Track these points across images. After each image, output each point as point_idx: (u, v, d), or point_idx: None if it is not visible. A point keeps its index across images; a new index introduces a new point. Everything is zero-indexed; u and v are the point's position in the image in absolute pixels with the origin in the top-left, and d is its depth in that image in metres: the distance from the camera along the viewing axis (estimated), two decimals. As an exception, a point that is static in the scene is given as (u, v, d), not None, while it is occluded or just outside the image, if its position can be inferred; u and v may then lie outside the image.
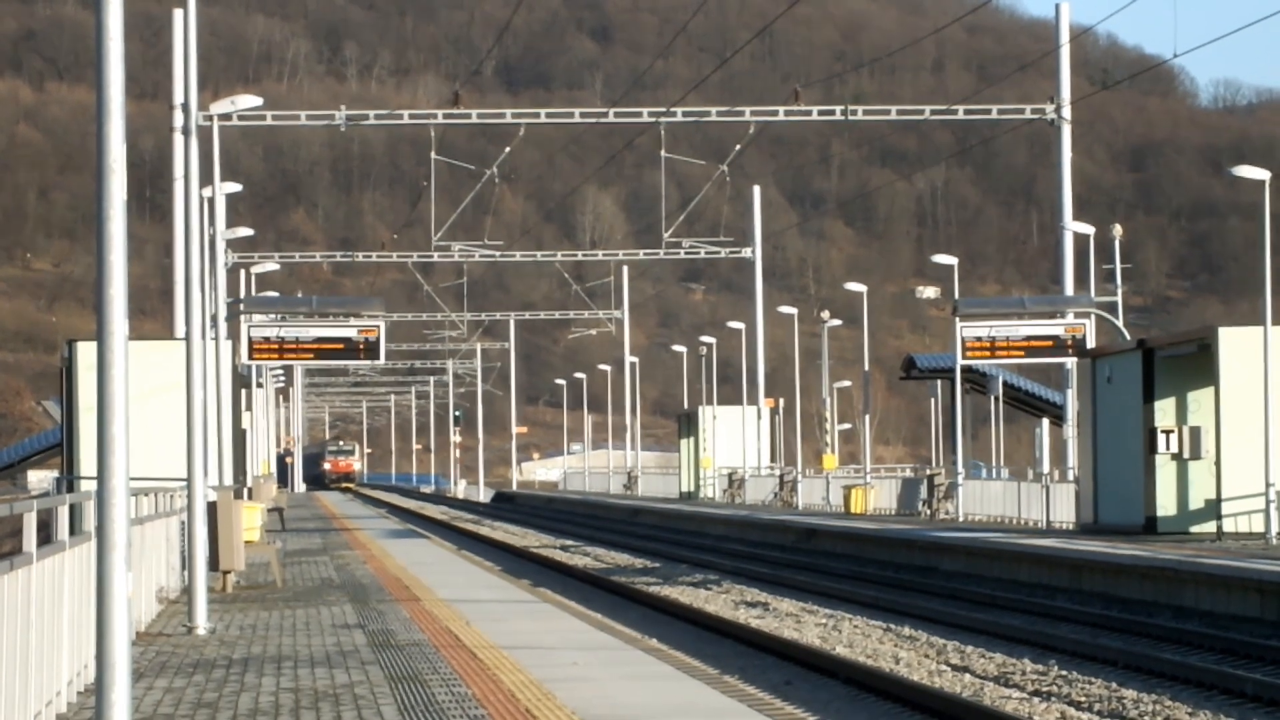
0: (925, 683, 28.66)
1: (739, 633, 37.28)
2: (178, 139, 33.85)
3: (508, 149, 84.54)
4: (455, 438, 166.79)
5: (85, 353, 44.42)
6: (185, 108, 33.11)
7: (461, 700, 19.32)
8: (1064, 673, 29.93)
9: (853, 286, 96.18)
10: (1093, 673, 29.82)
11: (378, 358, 64.25)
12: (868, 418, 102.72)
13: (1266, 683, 27.46)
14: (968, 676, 30.14)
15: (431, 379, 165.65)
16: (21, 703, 16.05)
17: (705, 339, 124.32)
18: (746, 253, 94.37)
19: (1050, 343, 61.78)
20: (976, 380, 77.37)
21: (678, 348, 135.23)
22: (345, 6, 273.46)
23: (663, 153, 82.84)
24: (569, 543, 75.92)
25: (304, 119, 79.22)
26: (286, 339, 61.68)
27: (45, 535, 17.44)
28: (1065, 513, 59.48)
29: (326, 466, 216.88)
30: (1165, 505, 51.41)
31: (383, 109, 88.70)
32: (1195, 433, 51.33)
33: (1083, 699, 26.96)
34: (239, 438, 54.04)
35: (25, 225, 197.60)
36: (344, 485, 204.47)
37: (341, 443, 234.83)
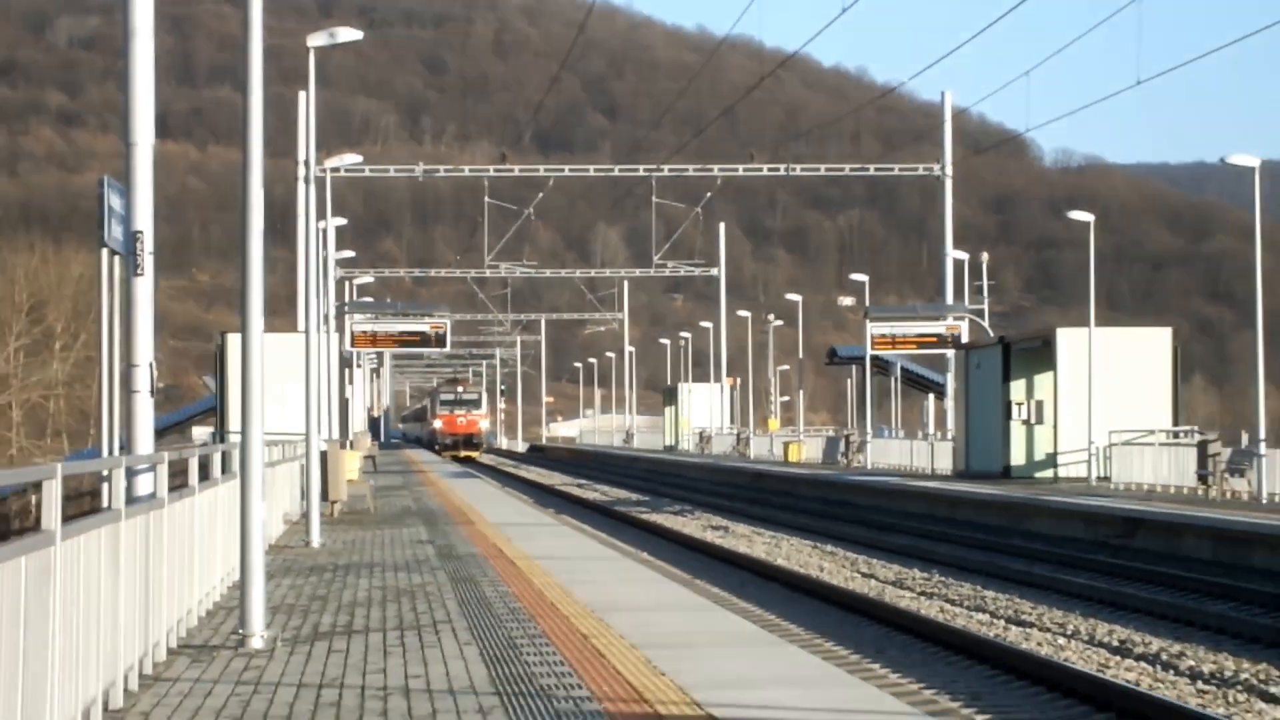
0: (842, 585, 28.74)
1: (707, 548, 37.29)
2: (301, 186, 33.61)
3: (540, 194, 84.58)
4: (500, 404, 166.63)
5: (233, 342, 44.40)
6: (307, 164, 33.08)
7: (504, 596, 19.37)
8: (943, 579, 29.97)
9: (791, 297, 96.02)
10: (963, 579, 29.86)
11: (444, 346, 64.31)
12: (801, 393, 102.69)
13: (1089, 584, 27.54)
14: (873, 581, 30.18)
15: (484, 362, 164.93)
16: (189, 592, 16.14)
17: (684, 334, 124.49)
18: (714, 271, 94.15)
19: (935, 339, 61.76)
20: (881, 366, 77.16)
21: (663, 341, 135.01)
22: (423, 90, 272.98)
23: (654, 198, 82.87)
24: (583, 482, 75.83)
25: (392, 172, 79.23)
26: (378, 332, 61.67)
27: (205, 474, 17.50)
28: (945, 463, 59.49)
29: (438, 425, 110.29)
30: (1017, 457, 51.46)
31: (450, 165, 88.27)
32: (1039, 405, 51.37)
33: (956, 598, 27.01)
34: (343, 405, 54.04)
35: (191, 249, 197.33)
36: (465, 455, 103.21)
37: (462, 389, 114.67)
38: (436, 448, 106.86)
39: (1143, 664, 19.87)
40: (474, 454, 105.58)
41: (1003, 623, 23.84)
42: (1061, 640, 21.90)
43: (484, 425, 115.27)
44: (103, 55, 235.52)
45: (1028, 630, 22.95)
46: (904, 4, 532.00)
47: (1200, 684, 18.38)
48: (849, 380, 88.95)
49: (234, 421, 40.58)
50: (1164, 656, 20.30)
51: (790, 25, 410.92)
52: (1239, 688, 18.08)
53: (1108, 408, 49.06)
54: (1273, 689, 17.94)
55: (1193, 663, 19.79)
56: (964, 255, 68.62)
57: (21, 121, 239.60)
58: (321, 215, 42.44)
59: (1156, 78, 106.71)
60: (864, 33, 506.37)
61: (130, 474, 13.59)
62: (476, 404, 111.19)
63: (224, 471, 19.21)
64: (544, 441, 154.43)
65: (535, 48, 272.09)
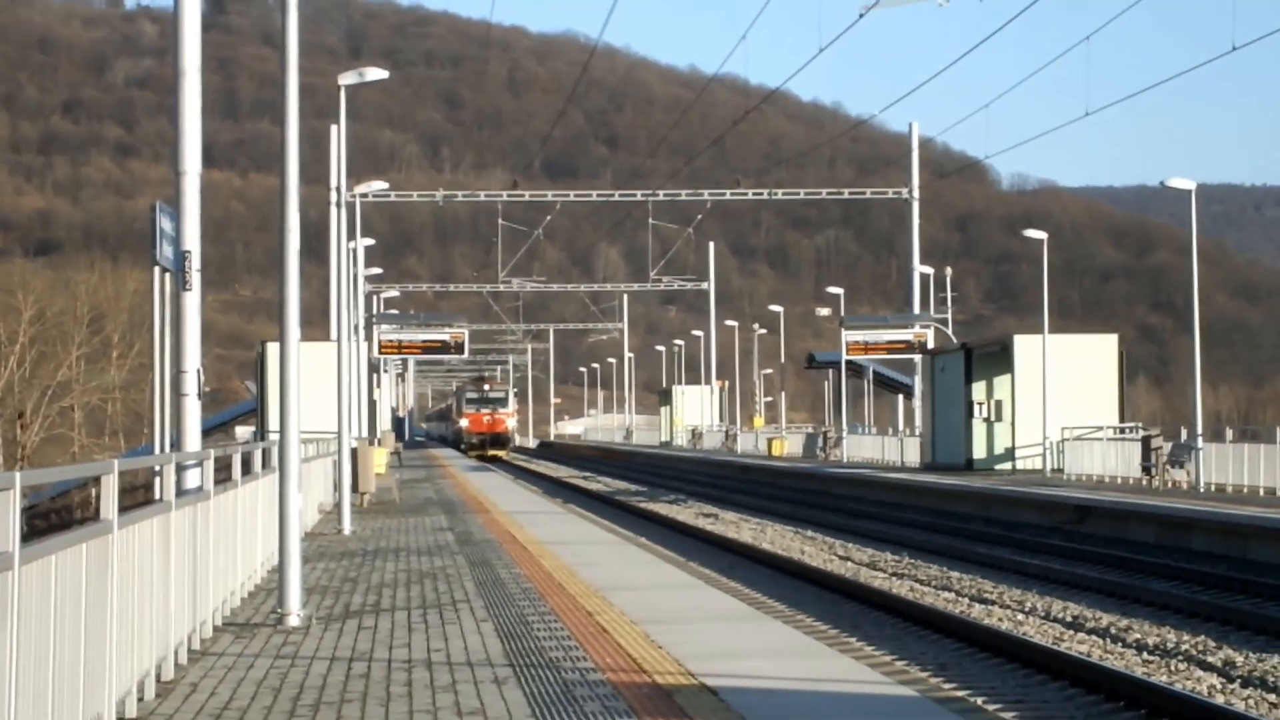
0: (820, 567, 28.73)
1: (699, 534, 37.27)
2: (333, 211, 33.58)
3: (549, 217, 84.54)
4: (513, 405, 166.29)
5: (272, 350, 44.35)
6: (338, 190, 33.07)
7: (516, 577, 19.36)
8: (912, 561, 29.96)
9: (773, 308, 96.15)
10: (930, 561, 29.85)
11: (463, 353, 64.19)
12: (783, 393, 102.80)
13: (1045, 566, 27.53)
14: (849, 563, 30.17)
15: (498, 367, 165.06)
16: (232, 575, 16.12)
17: (677, 342, 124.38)
18: (704, 286, 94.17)
19: (904, 345, 61.71)
20: (855, 369, 77.19)
21: (659, 348, 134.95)
22: (443, 124, 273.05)
23: (650, 220, 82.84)
24: (588, 474, 75.82)
25: (415, 197, 79.20)
26: (403, 340, 61.61)
27: (246, 468, 17.49)
28: (913, 457, 59.50)
29: (464, 424, 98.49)
30: (978, 451, 51.46)
31: (467, 191, 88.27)
32: (998, 404, 51.38)
33: (924, 578, 27.00)
34: (370, 406, 53.98)
35: (235, 266, 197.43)
36: (491, 454, 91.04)
37: (488, 388, 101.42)
38: (462, 447, 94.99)
39: (1094, 637, 19.86)
40: (501, 453, 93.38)
41: (967, 600, 23.82)
42: (1020, 616, 21.88)
43: (511, 424, 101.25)
44: (155, 93, 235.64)
45: (989, 607, 22.94)
46: (875, 44, 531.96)
47: (1145, 655, 18.38)
48: (826, 382, 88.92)
49: (273, 421, 40.57)
50: (1113, 630, 20.29)
51: (773, 64, 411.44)
52: (1179, 658, 18.08)
53: (1060, 406, 49.08)
54: (1209, 659, 17.93)
55: (1139, 636, 19.78)
56: (929, 270, 68.58)
57: (83, 153, 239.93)
58: (351, 236, 42.40)
59: (1103, 109, 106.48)
60: (839, 70, 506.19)
61: (180, 469, 13.57)
62: (503, 402, 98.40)
63: (264, 466, 19.22)
64: (552, 438, 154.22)
65: (543, 85, 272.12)
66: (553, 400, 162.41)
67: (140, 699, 10.69)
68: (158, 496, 12.06)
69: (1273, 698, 15.80)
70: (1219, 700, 14.94)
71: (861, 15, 39.03)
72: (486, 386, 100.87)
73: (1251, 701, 15.48)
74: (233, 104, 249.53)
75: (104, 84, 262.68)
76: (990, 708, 13.63)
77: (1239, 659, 17.86)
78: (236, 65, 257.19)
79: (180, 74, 16.63)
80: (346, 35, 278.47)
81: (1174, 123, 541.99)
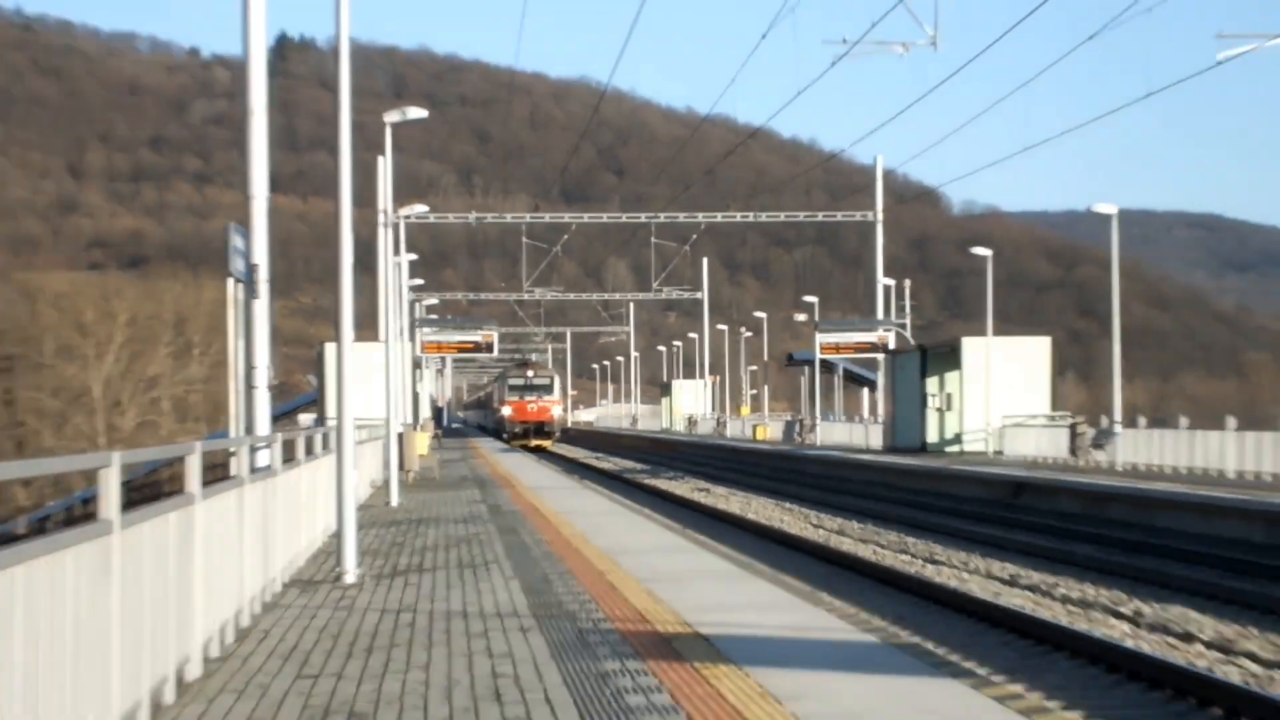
0: (797, 533, 28.80)
1: (694, 505, 37.36)
2: (381, 230, 33.69)
3: (566, 236, 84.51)
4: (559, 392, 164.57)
5: (330, 349, 44.38)
6: (385, 212, 33.18)
7: (539, 542, 19.42)
8: (874, 529, 30.03)
9: (758, 314, 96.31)
10: (889, 528, 29.93)
11: (493, 352, 64.09)
12: (765, 387, 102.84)
13: (987, 533, 27.61)
14: (821, 530, 30.24)
15: (542, 351, 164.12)
16: (297, 540, 16.20)
17: (675, 343, 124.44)
18: (699, 295, 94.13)
19: (869, 346, 61.55)
20: (827, 366, 77.13)
21: (660, 348, 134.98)
22: (475, 156, 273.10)
23: (652, 239, 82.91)
24: (600, 455, 75.87)
25: (451, 218, 79.07)
26: (441, 341, 61.56)
27: (309, 450, 17.56)
28: (876, 440, 59.52)
29: (507, 412, 79.98)
30: (932, 436, 51.52)
31: (495, 213, 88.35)
32: (948, 396, 51.40)
33: (884, 544, 27.08)
34: (414, 397, 54.05)
35: (297, 277, 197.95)
36: (535, 445, 76.13)
37: (532, 374, 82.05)
38: (505, 436, 77.76)
39: (1027, 592, 19.94)
40: (546, 443, 75.98)
41: (921, 561, 23.90)
42: (965, 575, 21.96)
43: (557, 412, 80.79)
44: (228, 129, 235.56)
45: (940, 567, 23.02)
46: (845, 87, 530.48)
47: (1070, 606, 18.46)
48: (802, 377, 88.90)
49: (331, 410, 40.68)
50: (1043, 586, 20.37)
51: (757, 104, 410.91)
52: (1097, 609, 18.17)
53: (1000, 398, 49.15)
54: (1122, 609, 18.02)
55: (1065, 591, 19.87)
56: (891, 281, 68.51)
57: (166, 181, 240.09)
58: (396, 252, 42.49)
59: (1041, 144, 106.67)
60: (814, 110, 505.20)
61: (252, 450, 13.63)
62: (549, 389, 79.82)
63: (324, 448, 19.29)
64: (569, 425, 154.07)
65: (560, 123, 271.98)
66: (569, 392, 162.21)
67: (221, 643, 10.79)
68: (234, 474, 12.14)
69: (1173, 639, 15.92)
70: (1129, 644, 15.03)
71: (834, 63, 39.07)
72: (530, 372, 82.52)
73: (1156, 644, 15.58)
74: (294, 139, 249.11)
75: (184, 122, 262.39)
76: (939, 651, 13.71)
77: (1146, 610, 17.97)
78: (297, 106, 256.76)
79: (249, 112, 16.71)
80: (391, 80, 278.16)
81: (1101, 155, 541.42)
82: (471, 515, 24.61)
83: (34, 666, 6.04)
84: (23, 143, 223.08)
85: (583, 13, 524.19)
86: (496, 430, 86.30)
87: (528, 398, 78.71)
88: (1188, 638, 16.05)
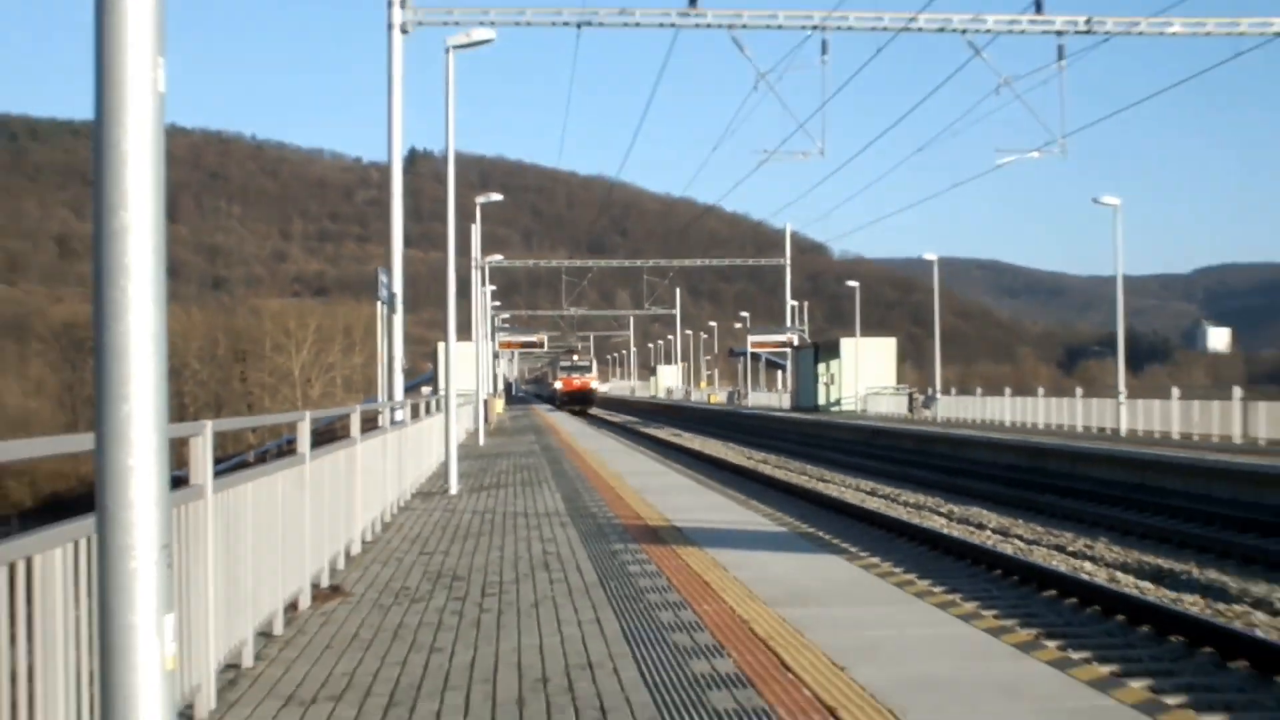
0: (733, 461, 28.66)
1: (668, 444, 37.08)
2: (474, 271, 33.60)
3: (590, 274, 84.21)
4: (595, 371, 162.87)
5: (441, 346, 44.13)
6: (476, 260, 33.04)
7: (573, 467, 19.33)
8: (784, 458, 29.90)
9: (712, 323, 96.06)
10: (794, 459, 29.77)
11: (543, 348, 64.20)
12: (716, 370, 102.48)
13: (858, 462, 27.51)
14: (751, 459, 29.94)
15: (582, 343, 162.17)
16: (420, 467, 16.15)
17: (660, 342, 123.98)
18: (674, 312, 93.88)
19: (784, 344, 61.52)
20: (755, 357, 76.94)
21: (649, 345, 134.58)
22: (530, 222, 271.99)
23: (645, 277, 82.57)
24: (611, 413, 75.59)
25: (517, 264, 78.83)
26: (511, 341, 61.61)
27: (428, 411, 17.49)
28: (786, 404, 59.31)
29: (559, 386, 71.89)
30: (821, 400, 51.46)
31: (543, 260, 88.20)
32: (832, 375, 51.34)
33: (790, 468, 26.91)
34: (494, 377, 53.86)
35: (420, 301, 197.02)
36: (579, 409, 65.45)
37: (576, 357, 78.36)
38: (557, 403, 72.61)
39: (879, 499, 19.86)
40: (588, 408, 70.47)
41: (815, 480, 23.84)
42: (842, 489, 21.89)
43: (595, 385, 76.07)
44: (378, 208, 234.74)
45: (826, 483, 22.98)
46: (766, 180, 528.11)
47: (908, 508, 18.38)
48: (739, 365, 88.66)
49: (442, 385, 40.60)
50: (888, 494, 20.33)
51: (712, 189, 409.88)
52: (926, 510, 18.09)
53: (865, 375, 49.05)
54: (940, 510, 17.93)
55: (906, 499, 19.76)
56: (796, 303, 68.34)
57: (339, 241, 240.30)
58: (483, 285, 42.33)
59: (890, 215, 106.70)
60: (747, 194, 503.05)
61: (391, 411, 13.62)
62: (588, 369, 76.20)
63: (437, 409, 19.24)
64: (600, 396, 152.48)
65: (585, 203, 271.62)
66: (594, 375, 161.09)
67: (373, 532, 10.79)
68: (380, 425, 12.13)
69: (972, 528, 15.85)
70: (946, 531, 14.99)
71: (759, 165, 38.94)
72: (575, 358, 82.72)
73: (962, 531, 15.51)
74: (419, 213, 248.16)
75: (351, 203, 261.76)
76: (826, 537, 13.67)
77: (956, 509, 17.91)
78: (421, 193, 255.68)
79: (391, 197, 16.70)
80: (479, 176, 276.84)
81: (929, 221, 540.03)
82: (530, 452, 24.52)
83: (260, 543, 6.08)
84: (254, 217, 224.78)
85: (602, 129, 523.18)
86: (550, 399, 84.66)
87: (573, 375, 75.55)
88: (980, 526, 16.03)
